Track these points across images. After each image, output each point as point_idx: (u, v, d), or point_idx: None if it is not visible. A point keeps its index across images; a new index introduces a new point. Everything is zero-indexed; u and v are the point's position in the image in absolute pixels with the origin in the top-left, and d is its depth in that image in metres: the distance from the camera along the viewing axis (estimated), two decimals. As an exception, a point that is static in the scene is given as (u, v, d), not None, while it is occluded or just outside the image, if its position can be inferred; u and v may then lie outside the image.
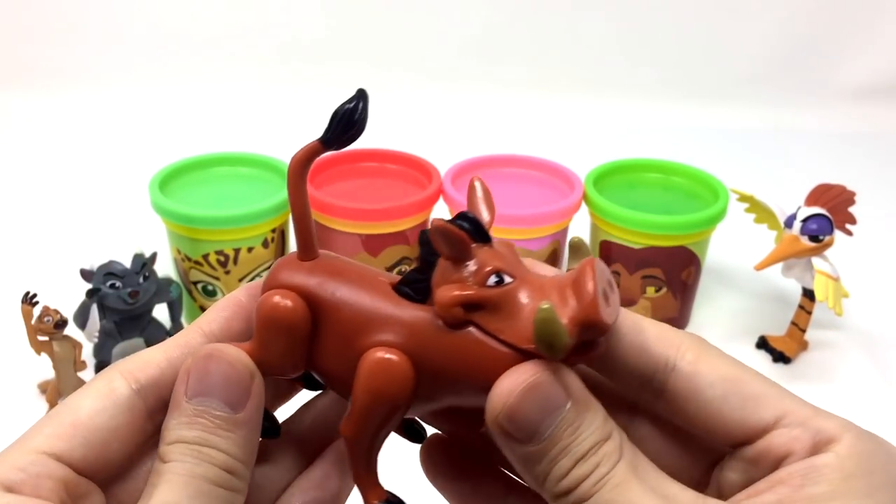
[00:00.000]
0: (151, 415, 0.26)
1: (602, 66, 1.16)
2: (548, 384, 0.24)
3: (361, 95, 0.25)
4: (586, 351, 0.24)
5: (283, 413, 0.31)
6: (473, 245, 0.25)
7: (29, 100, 1.09)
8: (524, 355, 0.24)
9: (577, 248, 0.26)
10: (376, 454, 0.27)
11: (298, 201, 0.27)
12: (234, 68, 1.14)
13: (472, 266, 0.25)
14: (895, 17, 1.14)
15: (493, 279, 0.24)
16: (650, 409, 0.28)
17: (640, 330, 0.26)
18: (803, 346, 0.68)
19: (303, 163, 0.27)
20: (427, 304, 0.26)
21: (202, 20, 1.13)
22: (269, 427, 0.29)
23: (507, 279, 0.24)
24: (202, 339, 0.28)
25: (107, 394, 0.26)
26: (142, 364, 0.27)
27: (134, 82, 1.12)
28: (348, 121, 0.25)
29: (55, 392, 0.58)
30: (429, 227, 0.25)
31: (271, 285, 0.27)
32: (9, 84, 1.10)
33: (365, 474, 0.27)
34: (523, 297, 0.24)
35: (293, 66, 1.14)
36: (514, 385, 0.24)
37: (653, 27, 1.15)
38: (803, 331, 0.67)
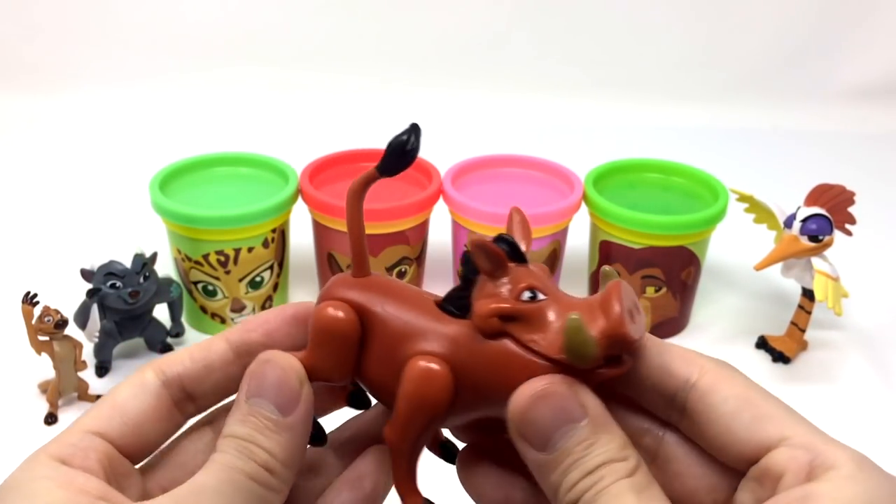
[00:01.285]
0: (177, 404, 0.29)
1: (602, 66, 1.16)
2: (562, 395, 0.25)
3: (414, 129, 0.27)
4: (612, 367, 0.26)
5: (329, 424, 0.32)
6: (510, 264, 0.27)
7: (29, 100, 1.09)
8: (555, 365, 0.26)
9: (607, 276, 0.27)
10: (416, 460, 0.29)
11: (354, 224, 0.29)
12: (234, 69, 1.14)
13: (508, 282, 0.27)
14: (894, 17, 1.14)
15: (527, 294, 0.26)
16: (678, 428, 0.29)
17: (664, 351, 0.28)
18: (803, 346, 0.68)
19: (359, 188, 0.29)
20: (467, 319, 0.27)
21: (203, 21, 1.13)
22: (316, 434, 0.30)
23: (541, 296, 0.26)
24: (226, 344, 0.30)
25: (139, 383, 0.29)
26: (169, 361, 0.30)
27: (134, 82, 1.12)
28: (401, 152, 0.27)
29: (55, 392, 0.58)
30: (467, 246, 0.27)
31: (326, 298, 0.30)
32: (9, 85, 1.10)
33: (405, 479, 0.29)
34: (554, 313, 0.26)
35: (294, 67, 1.14)
36: (529, 391, 0.25)
37: (652, 27, 1.15)
38: (803, 331, 0.67)
